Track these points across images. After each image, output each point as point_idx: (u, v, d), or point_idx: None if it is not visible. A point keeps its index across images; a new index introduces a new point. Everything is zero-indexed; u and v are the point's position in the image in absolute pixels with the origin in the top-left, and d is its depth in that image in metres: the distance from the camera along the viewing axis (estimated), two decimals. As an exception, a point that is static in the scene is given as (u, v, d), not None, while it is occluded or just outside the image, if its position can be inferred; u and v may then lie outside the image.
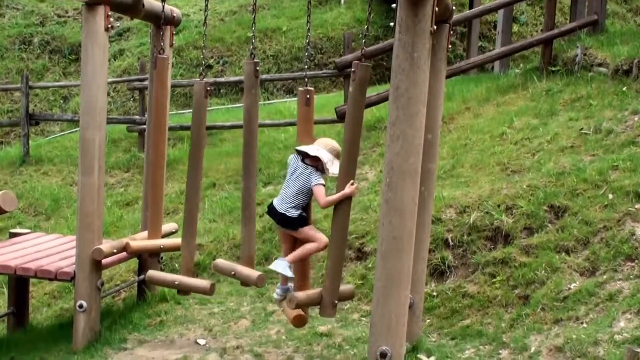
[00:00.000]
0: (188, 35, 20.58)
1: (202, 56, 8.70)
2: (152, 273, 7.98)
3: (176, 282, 7.71)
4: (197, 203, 8.07)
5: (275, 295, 7.15)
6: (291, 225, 6.72)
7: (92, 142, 7.60)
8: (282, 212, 6.70)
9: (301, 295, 6.64)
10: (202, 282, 7.72)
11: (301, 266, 6.90)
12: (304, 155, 6.72)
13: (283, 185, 6.93)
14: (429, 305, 8.07)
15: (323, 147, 6.66)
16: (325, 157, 6.60)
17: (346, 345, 7.46)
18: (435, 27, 5.72)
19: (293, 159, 6.81)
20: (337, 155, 6.67)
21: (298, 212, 6.69)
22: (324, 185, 6.63)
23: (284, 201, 6.72)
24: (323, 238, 6.69)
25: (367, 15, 6.44)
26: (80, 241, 7.66)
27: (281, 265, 6.70)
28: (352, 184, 6.35)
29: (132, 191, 13.76)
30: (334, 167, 6.61)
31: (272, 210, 6.82)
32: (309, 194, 6.69)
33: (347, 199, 6.41)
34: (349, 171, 6.40)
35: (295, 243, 6.87)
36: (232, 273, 7.47)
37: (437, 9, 5.69)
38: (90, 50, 7.58)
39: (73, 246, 8.10)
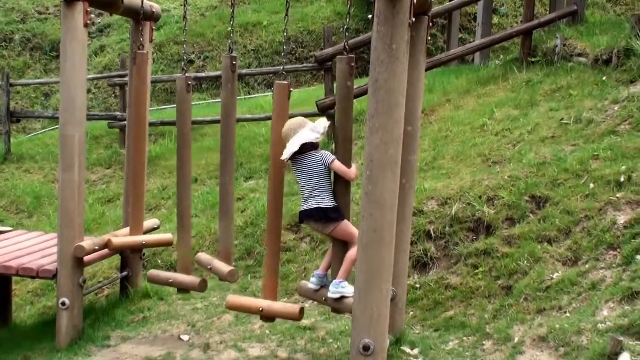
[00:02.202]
0: (169, 31, 20.55)
1: (183, 51, 8.68)
2: (152, 273, 8.26)
3: (170, 280, 8.01)
4: (188, 200, 8.11)
5: (310, 285, 6.84)
6: (329, 216, 6.43)
7: (72, 138, 7.56)
8: (314, 206, 6.45)
9: None
10: (192, 279, 7.91)
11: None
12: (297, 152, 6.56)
13: (299, 190, 6.70)
14: (412, 297, 8.07)
15: (297, 129, 6.53)
16: (308, 134, 6.48)
17: (329, 339, 7.45)
18: (413, 19, 5.71)
19: (294, 161, 6.60)
20: (303, 122, 6.59)
21: (332, 202, 6.47)
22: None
23: (310, 196, 6.49)
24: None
25: (347, 8, 6.42)
26: (61, 238, 7.63)
27: (343, 287, 6.45)
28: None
29: (114, 187, 13.74)
30: (319, 128, 6.48)
31: (304, 214, 6.56)
32: (328, 175, 6.48)
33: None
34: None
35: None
36: (209, 267, 7.57)
37: (415, 0, 5.69)
38: (69, 47, 7.53)
39: (55, 243, 8.05)
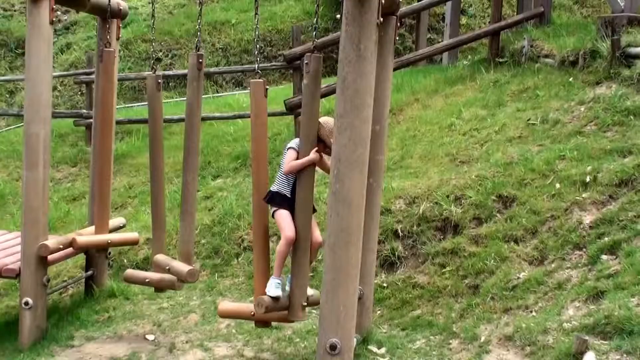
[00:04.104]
0: (136, 29, 20.39)
1: (152, 49, 8.64)
2: (129, 272, 8.08)
3: (147, 280, 7.82)
4: (162, 198, 8.02)
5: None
6: (266, 199, 6.46)
7: (37, 137, 7.49)
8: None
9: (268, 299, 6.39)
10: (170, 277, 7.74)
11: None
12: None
13: None
14: (379, 296, 8.07)
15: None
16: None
17: (296, 338, 7.44)
18: (381, 19, 5.71)
19: None
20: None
21: (277, 187, 6.44)
22: (296, 151, 6.34)
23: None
24: (287, 230, 6.30)
25: (315, 7, 6.41)
26: (25, 237, 7.56)
27: (271, 286, 6.39)
28: (316, 151, 6.19)
29: (80, 186, 13.59)
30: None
31: None
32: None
33: (311, 176, 6.35)
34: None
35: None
36: (167, 268, 7.47)
37: (383, 1, 5.69)
38: (35, 44, 7.48)
39: (19, 242, 7.97)
